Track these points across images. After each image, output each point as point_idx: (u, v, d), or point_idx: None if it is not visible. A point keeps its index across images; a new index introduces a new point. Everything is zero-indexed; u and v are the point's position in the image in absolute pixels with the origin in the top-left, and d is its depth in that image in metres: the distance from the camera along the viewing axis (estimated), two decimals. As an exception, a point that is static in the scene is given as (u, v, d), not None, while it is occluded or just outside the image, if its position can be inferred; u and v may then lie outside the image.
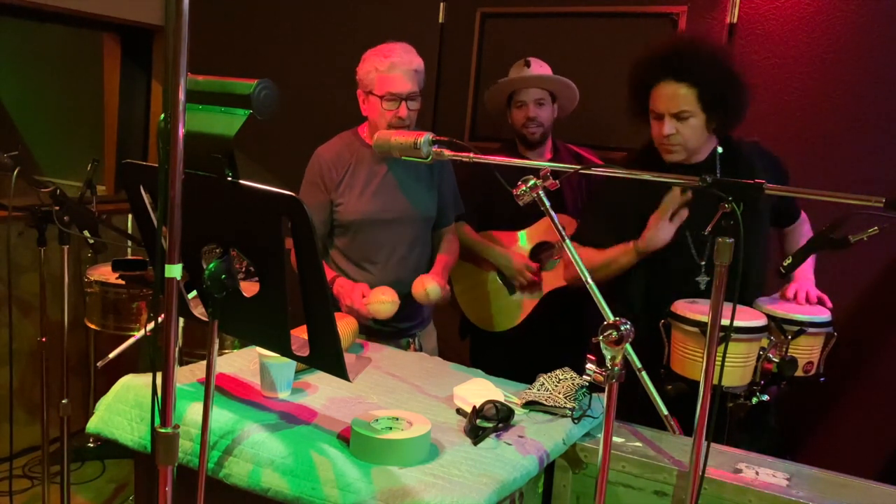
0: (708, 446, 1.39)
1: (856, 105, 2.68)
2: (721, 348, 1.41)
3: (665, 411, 1.70)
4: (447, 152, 1.60)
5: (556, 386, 1.74)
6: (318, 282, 1.28)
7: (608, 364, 1.27)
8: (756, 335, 1.86)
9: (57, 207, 2.41)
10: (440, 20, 3.40)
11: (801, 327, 1.92)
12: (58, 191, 2.41)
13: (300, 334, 1.37)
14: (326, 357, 1.37)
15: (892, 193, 1.29)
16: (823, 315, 1.98)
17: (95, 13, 3.54)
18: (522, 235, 2.81)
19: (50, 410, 2.62)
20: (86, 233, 2.48)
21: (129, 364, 2.23)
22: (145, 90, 4.02)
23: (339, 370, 1.35)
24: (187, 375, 1.81)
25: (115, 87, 3.94)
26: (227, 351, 2.41)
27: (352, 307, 2.22)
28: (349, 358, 2.03)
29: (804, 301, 2.06)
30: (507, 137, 2.96)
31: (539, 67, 2.79)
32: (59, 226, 2.42)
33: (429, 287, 2.25)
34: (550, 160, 2.84)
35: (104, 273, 2.91)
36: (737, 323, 1.81)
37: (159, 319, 1.09)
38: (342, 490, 1.36)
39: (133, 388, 1.70)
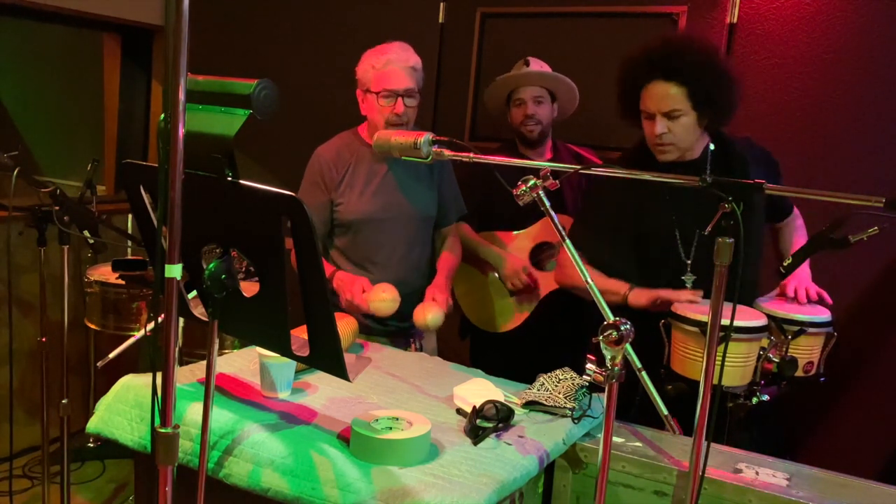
0: (708, 446, 1.39)
1: (856, 105, 2.68)
2: (721, 348, 1.41)
3: (665, 411, 1.70)
4: (447, 152, 1.60)
5: (556, 386, 1.74)
6: (318, 282, 1.28)
7: (608, 364, 1.27)
8: (756, 335, 1.86)
9: (57, 207, 2.41)
10: (440, 20, 3.40)
11: (802, 327, 1.92)
12: (58, 191, 2.41)
13: (300, 334, 1.37)
14: (326, 357, 1.37)
15: (892, 193, 1.29)
16: (823, 315, 1.98)
17: (95, 13, 3.54)
18: (519, 236, 2.80)
19: (50, 410, 2.62)
20: (86, 233, 2.48)
21: (129, 364, 2.23)
22: (145, 90, 4.02)
23: (339, 370, 1.35)
24: (187, 375, 1.81)
25: (115, 87, 3.94)
26: (227, 351, 2.41)
27: (351, 301, 2.21)
28: (349, 358, 2.03)
29: (804, 298, 2.06)
30: (507, 137, 2.95)
31: (539, 67, 2.79)
32: (59, 226, 2.42)
33: (429, 317, 2.21)
34: (550, 160, 2.84)
35: (104, 273, 2.91)
36: (737, 323, 1.81)
37: (159, 319, 1.09)
38: (342, 490, 1.36)
39: (133, 388, 1.70)
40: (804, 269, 2.17)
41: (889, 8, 2.62)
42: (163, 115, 1.06)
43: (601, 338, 1.26)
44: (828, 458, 2.60)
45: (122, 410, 1.68)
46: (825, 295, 2.07)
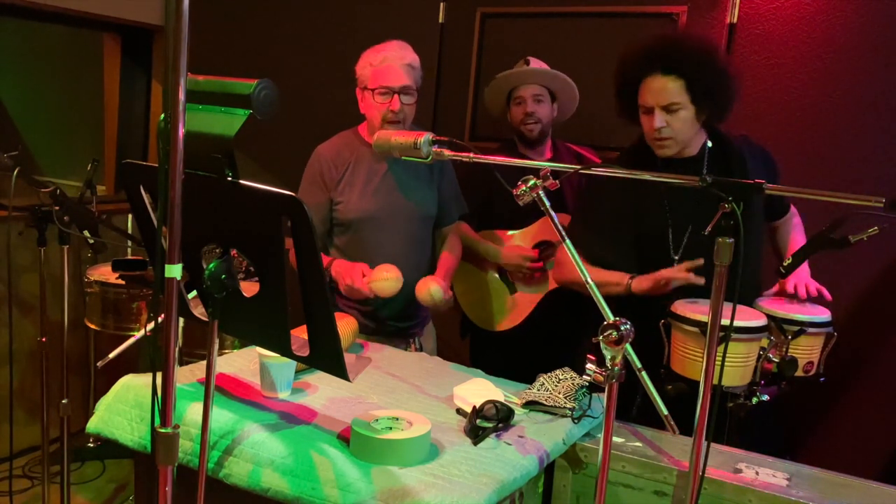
0: (708, 446, 1.39)
1: (856, 105, 2.68)
2: (721, 348, 1.41)
3: (665, 411, 1.69)
4: (447, 152, 1.60)
5: (556, 386, 1.74)
6: (318, 282, 1.28)
7: (608, 364, 1.27)
8: (756, 335, 1.86)
9: (57, 207, 2.41)
10: (440, 20, 3.40)
11: (801, 327, 1.92)
12: (58, 191, 2.41)
13: (300, 334, 1.37)
14: (326, 357, 1.37)
15: (892, 193, 1.29)
16: (823, 315, 1.98)
17: (95, 13, 3.54)
18: (519, 235, 2.80)
19: (50, 410, 2.62)
20: (86, 233, 2.48)
21: (129, 364, 2.23)
22: (145, 90, 4.02)
23: (339, 370, 1.35)
24: (187, 375, 1.81)
25: (115, 87, 3.94)
26: (227, 351, 2.41)
27: (352, 286, 2.18)
28: (349, 358, 2.03)
29: (805, 294, 2.06)
30: (507, 137, 2.95)
31: (539, 66, 2.80)
32: (59, 226, 2.42)
33: (432, 288, 2.22)
34: (550, 159, 2.84)
35: (104, 273, 2.91)
36: (737, 323, 1.81)
37: (159, 319, 1.09)
38: (342, 490, 1.36)
39: (133, 388, 1.70)
40: (803, 267, 2.17)
41: (889, 8, 2.62)
42: (163, 115, 1.06)
43: (601, 338, 1.27)
44: (828, 458, 2.60)
45: (122, 410, 1.68)
46: (825, 291, 2.07)
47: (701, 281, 1.99)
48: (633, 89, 2.12)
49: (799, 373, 1.92)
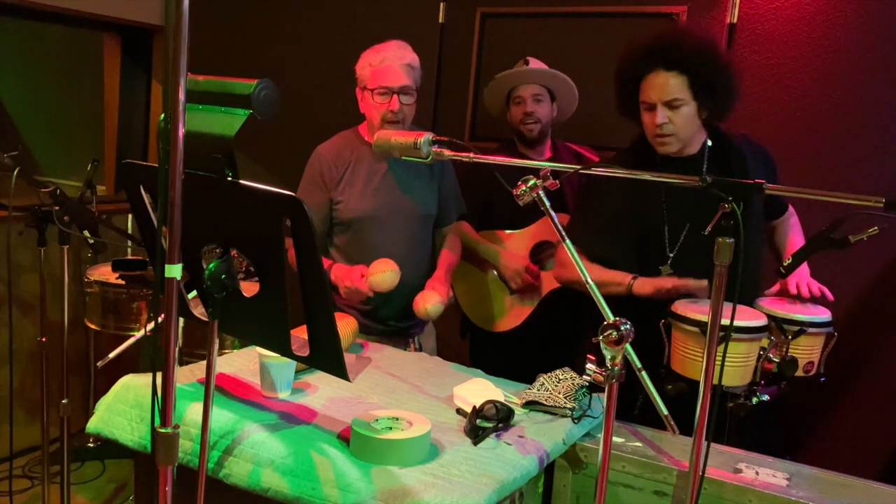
0: (708, 446, 1.39)
1: (856, 105, 2.68)
2: (721, 348, 1.41)
3: (665, 411, 1.69)
4: (447, 152, 1.60)
5: (556, 386, 1.74)
6: (318, 282, 1.28)
7: (608, 364, 1.27)
8: (756, 335, 1.86)
9: (57, 207, 2.41)
10: (440, 20, 3.40)
11: (802, 327, 1.92)
12: (58, 191, 2.41)
13: (300, 334, 1.37)
14: (326, 357, 1.37)
15: (892, 193, 1.29)
16: (824, 315, 1.98)
17: (95, 13, 3.54)
18: (519, 235, 2.80)
19: (50, 410, 2.62)
20: (86, 233, 2.48)
21: (129, 364, 2.23)
22: (145, 90, 4.02)
23: (339, 370, 1.35)
24: (187, 375, 1.81)
25: (115, 87, 3.94)
26: (227, 351, 2.41)
27: (352, 287, 2.19)
28: (349, 358, 2.03)
29: (808, 293, 2.06)
30: (507, 137, 2.95)
31: (538, 66, 2.80)
32: (59, 226, 2.42)
33: (429, 305, 2.22)
34: (550, 159, 2.84)
35: (104, 273, 2.91)
36: (737, 323, 1.81)
37: (159, 319, 1.09)
38: (342, 490, 1.36)
39: (133, 388, 1.70)
40: (803, 267, 2.17)
41: (889, 8, 2.62)
42: (163, 115, 1.06)
43: (601, 338, 1.27)
44: (828, 458, 2.60)
45: (122, 410, 1.68)
46: (827, 291, 2.07)
47: (705, 298, 1.99)
48: (635, 86, 2.12)
49: (799, 373, 1.92)
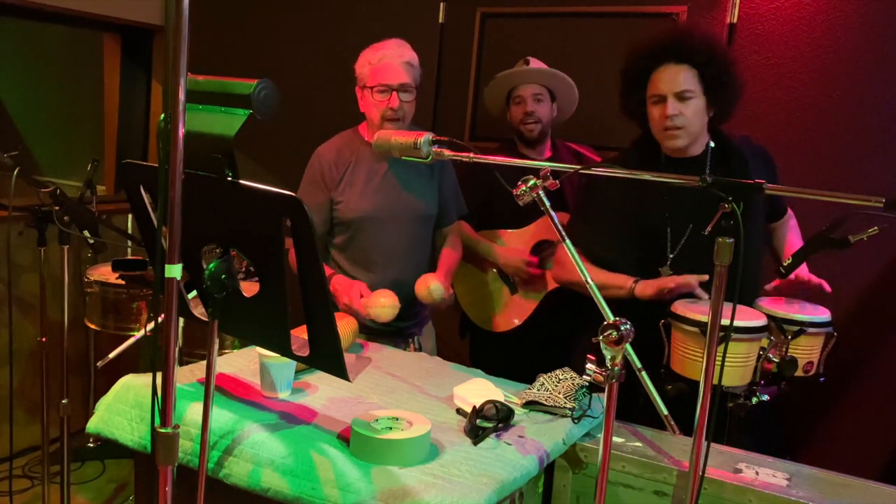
0: (708, 446, 1.39)
1: (856, 105, 2.68)
2: (721, 348, 1.41)
3: (665, 411, 1.69)
4: (447, 152, 1.60)
5: (556, 386, 1.74)
6: (318, 282, 1.28)
7: (608, 364, 1.27)
8: (756, 335, 1.86)
9: (57, 207, 2.41)
10: (440, 20, 3.40)
11: (801, 327, 1.92)
12: (58, 191, 2.41)
13: (300, 334, 1.37)
14: (326, 357, 1.37)
15: (892, 193, 1.29)
16: (823, 315, 1.98)
17: (95, 13, 3.54)
18: (519, 234, 2.80)
19: (50, 410, 2.62)
20: (86, 233, 2.48)
21: (129, 364, 2.23)
22: (145, 90, 4.02)
23: (339, 370, 1.35)
24: (187, 375, 1.81)
25: (115, 87, 3.94)
26: (227, 351, 2.41)
27: (349, 306, 2.21)
28: (349, 358, 2.03)
29: (807, 278, 2.06)
30: (507, 137, 2.95)
31: (538, 66, 2.80)
32: (59, 226, 2.42)
33: (432, 285, 2.23)
34: (550, 159, 2.84)
35: (104, 273, 2.91)
36: (737, 323, 1.81)
37: (159, 319, 1.09)
38: (342, 490, 1.36)
39: (133, 388, 1.70)
40: (802, 267, 2.17)
41: (889, 8, 2.62)
42: (163, 115, 1.06)
43: (601, 338, 1.26)
44: (828, 458, 2.60)
45: (122, 410, 1.68)
46: (825, 284, 2.07)
47: (705, 296, 1.99)
48: (642, 82, 2.13)
49: (799, 373, 1.92)
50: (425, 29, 3.38)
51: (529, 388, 1.77)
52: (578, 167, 1.59)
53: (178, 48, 1.00)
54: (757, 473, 1.52)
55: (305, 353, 1.38)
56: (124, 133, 4.01)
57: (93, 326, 2.95)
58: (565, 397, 1.70)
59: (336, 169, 2.38)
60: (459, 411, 1.69)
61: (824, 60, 2.72)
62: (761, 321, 1.88)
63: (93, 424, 1.71)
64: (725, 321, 1.41)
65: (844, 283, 2.53)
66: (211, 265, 1.27)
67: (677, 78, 2.05)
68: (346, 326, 2.07)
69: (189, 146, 1.05)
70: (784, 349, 1.91)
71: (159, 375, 1.08)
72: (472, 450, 1.50)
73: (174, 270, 1.05)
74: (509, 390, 1.81)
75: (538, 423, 1.66)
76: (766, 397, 1.88)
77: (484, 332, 2.87)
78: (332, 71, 3.54)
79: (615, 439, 1.65)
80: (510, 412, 1.63)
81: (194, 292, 1.46)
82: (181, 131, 1.03)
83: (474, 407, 1.61)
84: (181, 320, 2.19)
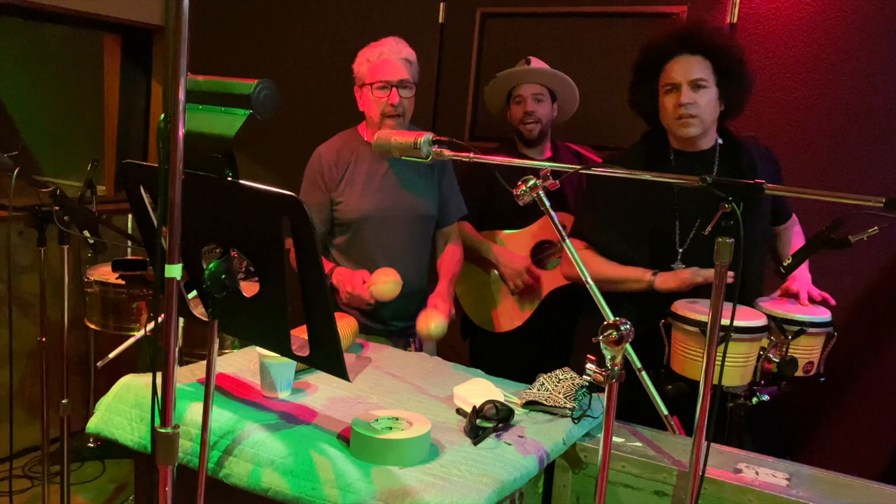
0: (708, 446, 1.39)
1: (856, 105, 2.68)
2: (721, 348, 1.41)
3: (665, 411, 1.70)
4: (447, 152, 1.60)
5: (556, 386, 1.74)
6: (318, 282, 1.28)
7: (608, 364, 1.27)
8: (756, 335, 1.86)
9: (57, 207, 2.41)
10: (440, 20, 3.40)
11: (801, 327, 1.92)
12: (58, 191, 2.41)
13: (300, 334, 1.37)
14: (326, 357, 1.37)
15: (892, 193, 1.29)
16: (823, 315, 1.98)
17: (95, 13, 3.54)
18: (520, 235, 2.80)
19: (50, 410, 2.62)
20: (86, 233, 2.48)
21: (129, 364, 2.23)
22: (145, 90, 4.02)
23: (339, 370, 1.35)
24: (187, 375, 1.81)
25: (115, 87, 3.94)
26: (227, 351, 2.41)
27: (353, 293, 2.20)
28: (349, 358, 2.03)
29: (806, 300, 2.06)
30: (507, 137, 2.95)
31: (539, 65, 2.80)
32: (59, 226, 2.42)
33: (432, 325, 2.20)
34: (549, 159, 2.84)
35: (104, 273, 2.91)
36: (737, 323, 1.81)
37: (159, 319, 1.09)
38: (342, 490, 1.36)
39: (133, 388, 1.70)
40: (805, 272, 2.17)
41: (889, 8, 2.62)
42: (163, 115, 1.06)
43: (601, 338, 1.27)
44: (828, 458, 2.60)
45: (122, 410, 1.68)
46: (828, 298, 2.08)
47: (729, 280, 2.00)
48: (655, 74, 2.15)
49: (799, 373, 1.92)
50: (425, 29, 3.38)
51: (529, 388, 1.77)
52: (578, 167, 1.59)
53: (178, 48, 1.00)
54: (757, 473, 1.52)
55: (305, 353, 1.38)
56: (124, 133, 4.01)
57: (93, 326, 2.95)
58: (565, 397, 1.70)
59: (336, 169, 2.38)
60: (459, 411, 1.69)
61: (824, 60, 2.72)
62: (761, 321, 1.88)
63: (93, 424, 1.71)
64: (725, 321, 1.41)
65: (844, 282, 2.53)
66: (211, 265, 1.27)
67: (691, 67, 2.08)
68: (346, 326, 2.07)
69: (189, 146, 1.05)
70: (784, 349, 1.91)
71: (159, 375, 1.08)
72: (472, 450, 1.50)
73: (174, 270, 1.05)
74: (509, 390, 1.81)
75: (538, 423, 1.66)
76: (766, 397, 1.88)
77: (485, 332, 2.87)
78: (332, 71, 3.54)
79: (615, 439, 1.65)
80: (510, 412, 1.63)
81: (194, 292, 1.45)
82: (181, 131, 1.03)
83: (474, 407, 1.61)
84: (181, 320, 2.19)
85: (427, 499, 1.31)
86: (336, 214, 2.40)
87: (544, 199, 1.50)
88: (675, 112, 2.10)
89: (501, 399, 1.68)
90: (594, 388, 1.73)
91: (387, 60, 2.30)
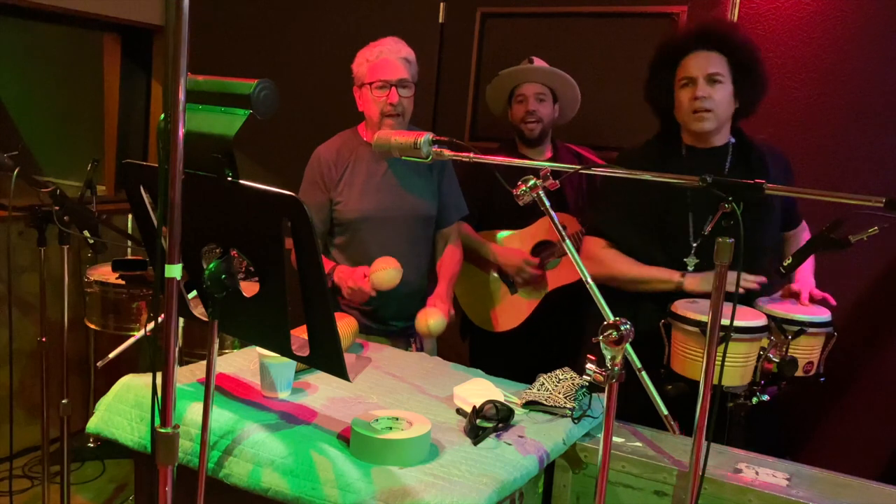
0: (708, 446, 1.39)
1: (856, 105, 2.68)
2: (721, 348, 1.41)
3: (665, 411, 1.69)
4: (447, 152, 1.60)
5: (556, 386, 1.74)
6: (318, 282, 1.28)
7: (608, 364, 1.27)
8: (756, 335, 1.86)
9: (57, 207, 2.41)
10: (440, 20, 3.40)
11: (801, 327, 1.92)
12: (58, 191, 2.41)
13: (300, 334, 1.37)
14: (326, 357, 1.37)
15: (892, 193, 1.29)
16: (823, 315, 1.98)
17: (95, 13, 3.54)
18: (520, 235, 2.81)
19: (50, 410, 2.62)
20: (86, 233, 2.48)
21: (129, 364, 2.23)
22: (145, 90, 4.02)
23: (339, 370, 1.35)
24: (187, 375, 1.81)
25: (115, 87, 3.94)
26: (227, 351, 2.41)
27: (355, 288, 2.20)
28: (349, 358, 2.03)
29: (807, 300, 2.06)
30: (507, 137, 2.95)
31: (542, 66, 2.80)
32: (59, 226, 2.42)
33: (431, 321, 2.21)
34: (550, 159, 2.84)
35: (104, 273, 2.91)
36: (737, 323, 1.81)
37: (159, 319, 1.09)
38: (342, 490, 1.36)
39: (133, 388, 1.70)
40: (808, 276, 2.18)
41: (889, 8, 2.62)
42: (163, 115, 1.05)
43: (601, 338, 1.27)
44: (828, 458, 2.60)
45: (122, 410, 1.68)
46: (829, 298, 2.08)
47: (756, 286, 2.00)
48: (671, 69, 2.16)
49: (799, 373, 1.92)
50: (425, 29, 3.38)
51: (529, 388, 1.77)
52: (578, 167, 1.59)
53: (178, 48, 1.00)
54: (757, 473, 1.52)
55: (305, 353, 1.38)
56: (124, 133, 4.01)
57: (93, 326, 2.95)
58: (565, 397, 1.70)
59: (335, 169, 2.38)
60: (459, 411, 1.69)
61: (824, 60, 2.72)
62: (761, 321, 1.88)
63: (93, 424, 1.71)
64: (725, 321, 1.41)
65: (844, 283, 2.53)
66: (211, 265, 1.27)
67: (708, 61, 2.09)
68: (346, 326, 2.07)
69: (189, 146, 1.05)
70: (784, 349, 1.91)
71: (159, 375, 1.08)
72: (472, 450, 1.50)
73: (174, 270, 1.05)
74: (509, 390, 1.81)
75: (538, 423, 1.66)
76: (766, 397, 1.88)
77: (484, 332, 2.87)
78: (332, 71, 3.53)
79: (615, 439, 1.65)
80: (510, 412, 1.63)
81: (194, 292, 1.46)
82: (181, 131, 1.03)
83: (474, 407, 1.61)
84: (181, 320, 2.19)
85: (427, 499, 1.31)
86: (335, 214, 2.40)
87: (544, 199, 1.50)
88: (690, 106, 2.11)
89: (501, 399, 1.68)
90: (594, 388, 1.73)
91: (386, 60, 2.30)
